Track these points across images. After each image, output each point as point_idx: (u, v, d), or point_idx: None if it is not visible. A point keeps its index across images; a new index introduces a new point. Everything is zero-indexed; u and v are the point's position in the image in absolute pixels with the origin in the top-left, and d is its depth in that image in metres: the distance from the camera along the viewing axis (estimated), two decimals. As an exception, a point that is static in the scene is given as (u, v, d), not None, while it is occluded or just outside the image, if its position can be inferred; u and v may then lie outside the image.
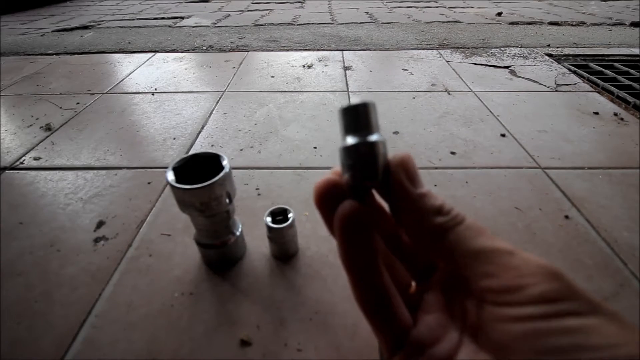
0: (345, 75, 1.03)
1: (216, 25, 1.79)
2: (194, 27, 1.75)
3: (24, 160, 0.66)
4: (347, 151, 0.17)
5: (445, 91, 0.91)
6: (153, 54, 1.28)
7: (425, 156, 0.64)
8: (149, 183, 0.58)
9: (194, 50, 1.34)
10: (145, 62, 1.19)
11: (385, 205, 0.20)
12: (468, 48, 1.28)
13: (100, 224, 0.50)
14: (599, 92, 0.90)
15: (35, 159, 0.66)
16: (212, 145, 0.70)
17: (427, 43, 1.37)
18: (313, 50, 1.30)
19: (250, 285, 0.41)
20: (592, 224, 0.48)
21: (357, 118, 0.17)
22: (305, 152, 0.66)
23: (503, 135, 0.71)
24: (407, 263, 0.21)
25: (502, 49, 1.26)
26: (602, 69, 1.02)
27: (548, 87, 0.93)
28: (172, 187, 0.35)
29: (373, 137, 0.16)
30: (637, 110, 0.80)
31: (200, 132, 0.74)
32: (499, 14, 1.90)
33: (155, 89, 0.96)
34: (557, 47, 1.27)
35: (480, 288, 0.15)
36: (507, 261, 0.15)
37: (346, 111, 0.17)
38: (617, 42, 1.34)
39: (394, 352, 0.18)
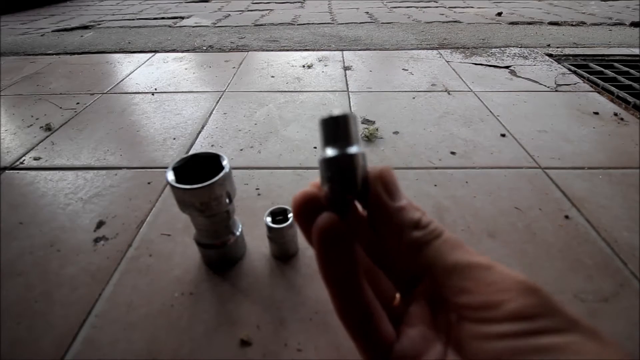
0: (345, 75, 1.03)
1: (216, 25, 1.79)
2: (194, 27, 1.75)
3: (24, 160, 0.66)
4: (326, 163, 0.17)
5: (445, 91, 0.91)
6: (153, 54, 1.28)
7: (425, 156, 0.64)
8: (149, 183, 0.58)
9: (194, 50, 1.34)
10: (145, 62, 1.19)
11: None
12: (468, 48, 1.28)
13: (100, 224, 0.50)
14: (599, 92, 0.90)
15: (35, 159, 0.66)
16: (212, 145, 0.70)
17: (427, 43, 1.37)
18: (313, 50, 1.30)
19: (250, 285, 0.41)
20: (592, 224, 0.48)
21: (337, 129, 0.17)
22: (305, 152, 0.66)
23: (503, 135, 0.71)
24: (391, 275, 0.20)
25: (502, 49, 1.26)
26: (602, 69, 1.02)
27: (548, 87, 0.93)
28: (172, 187, 0.35)
29: (352, 149, 0.16)
30: (637, 110, 0.80)
31: (200, 132, 0.74)
32: (499, 14, 1.90)
33: (155, 89, 0.96)
34: (557, 47, 1.27)
35: (457, 304, 0.15)
36: (483, 276, 0.15)
37: (326, 122, 0.17)
38: (617, 42, 1.34)
39: None
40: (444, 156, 0.64)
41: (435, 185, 0.57)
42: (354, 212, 0.19)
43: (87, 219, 0.51)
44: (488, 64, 1.11)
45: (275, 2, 2.51)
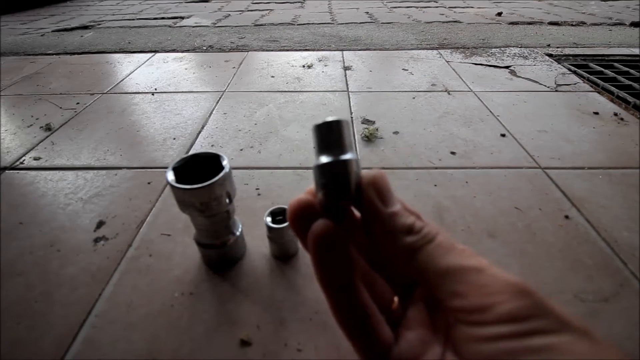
0: (345, 75, 1.03)
1: (216, 25, 1.79)
2: (194, 27, 1.75)
3: (24, 160, 0.66)
4: (320, 170, 0.17)
5: (445, 91, 0.91)
6: (153, 54, 1.28)
7: (425, 156, 0.64)
8: (149, 183, 0.58)
9: (194, 50, 1.34)
10: (145, 62, 1.19)
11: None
12: (468, 48, 1.28)
13: (100, 224, 0.50)
14: (599, 92, 0.90)
15: (35, 159, 0.66)
16: (212, 145, 0.70)
17: (427, 43, 1.37)
18: (313, 50, 1.30)
19: (250, 285, 0.41)
20: (592, 224, 0.48)
21: (330, 135, 0.17)
22: (305, 152, 0.66)
23: (503, 135, 0.71)
24: (389, 278, 0.21)
25: (502, 49, 1.26)
26: (602, 69, 1.02)
27: (548, 87, 0.93)
28: (172, 187, 0.35)
29: (346, 156, 0.16)
30: (637, 110, 0.80)
31: (200, 132, 0.74)
32: (499, 14, 1.90)
33: (155, 89, 0.96)
34: (557, 47, 1.27)
35: (451, 308, 0.15)
36: (475, 279, 0.15)
37: (319, 128, 0.17)
38: (617, 42, 1.34)
39: None
40: (444, 156, 0.64)
41: (435, 185, 0.57)
42: (350, 218, 0.20)
43: (87, 219, 0.51)
44: (488, 64, 1.11)
45: (275, 2, 2.51)
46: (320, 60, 1.16)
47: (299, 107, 0.84)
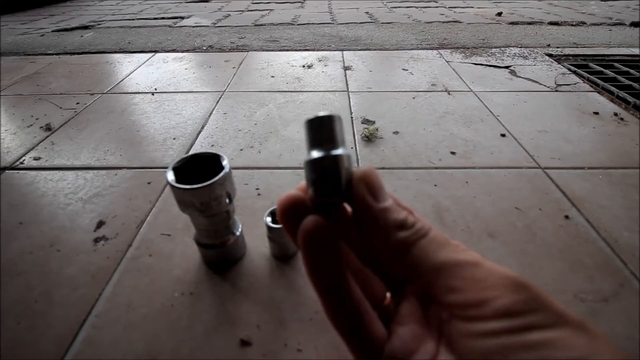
0: (345, 75, 1.03)
1: (216, 25, 1.79)
2: (194, 27, 1.75)
3: (24, 160, 0.66)
4: (311, 165, 0.17)
5: (445, 91, 0.91)
6: (153, 54, 1.28)
7: (425, 156, 0.64)
8: (149, 183, 0.58)
9: (194, 50, 1.34)
10: (145, 62, 1.19)
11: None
12: (468, 48, 1.28)
13: (100, 224, 0.50)
14: (599, 92, 0.90)
15: (35, 159, 0.66)
16: (212, 145, 0.70)
17: (427, 43, 1.37)
18: (313, 50, 1.30)
19: (250, 285, 0.41)
20: (592, 224, 0.48)
21: (322, 130, 0.17)
22: (305, 152, 0.66)
23: (503, 135, 0.71)
24: (382, 274, 0.20)
25: (502, 49, 1.26)
26: (602, 69, 1.02)
27: (548, 87, 0.93)
28: (172, 187, 0.35)
29: (337, 151, 0.16)
30: (637, 110, 0.80)
31: (200, 132, 0.74)
32: (499, 14, 1.90)
33: (155, 89, 0.96)
34: (557, 47, 1.27)
35: (447, 303, 0.15)
36: (471, 274, 0.15)
37: (310, 123, 0.17)
38: (617, 42, 1.34)
39: None
40: (444, 156, 0.64)
41: (435, 185, 0.57)
42: (342, 214, 0.19)
43: (87, 219, 0.51)
44: (488, 64, 1.11)
45: (275, 2, 2.51)
46: (320, 60, 1.16)
47: (299, 107, 0.84)
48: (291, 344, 0.35)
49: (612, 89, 0.88)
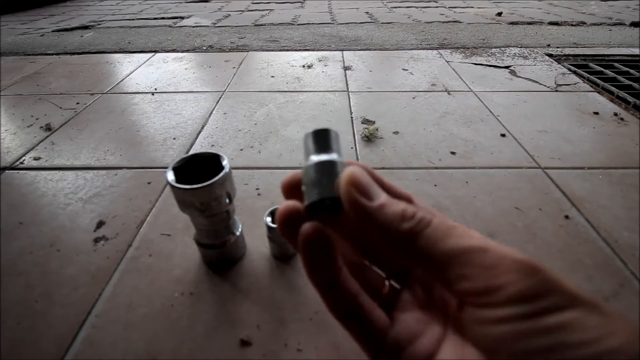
0: (345, 75, 1.03)
1: (216, 25, 1.79)
2: (194, 27, 1.75)
3: (24, 160, 0.66)
4: (306, 171, 0.18)
5: (445, 91, 0.91)
6: (153, 54, 1.28)
7: (425, 156, 0.64)
8: (149, 183, 0.58)
9: (194, 50, 1.34)
10: (145, 62, 1.19)
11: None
12: (468, 48, 1.28)
13: (100, 224, 0.50)
14: (599, 92, 0.90)
15: (35, 159, 0.66)
16: (212, 145, 0.70)
17: (427, 43, 1.37)
18: (313, 50, 1.30)
19: (250, 285, 0.41)
20: (592, 224, 0.48)
21: (317, 141, 0.18)
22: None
23: (503, 135, 0.71)
24: (381, 264, 0.21)
25: (502, 49, 1.26)
26: (602, 69, 1.02)
27: (548, 87, 0.93)
28: (172, 187, 0.35)
29: (331, 157, 0.17)
30: (637, 110, 0.80)
31: (200, 132, 0.74)
32: (499, 14, 1.90)
33: (155, 89, 0.96)
34: (557, 47, 1.27)
35: (458, 291, 0.15)
36: (481, 260, 0.15)
37: (307, 137, 0.19)
38: (617, 42, 1.34)
39: (376, 356, 0.18)
40: (444, 156, 0.64)
41: (435, 185, 0.57)
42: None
43: (87, 219, 0.51)
44: (488, 64, 1.11)
45: (275, 2, 2.51)
46: (320, 60, 1.16)
47: (299, 107, 0.84)
48: (291, 344, 0.35)
49: (612, 89, 0.88)
